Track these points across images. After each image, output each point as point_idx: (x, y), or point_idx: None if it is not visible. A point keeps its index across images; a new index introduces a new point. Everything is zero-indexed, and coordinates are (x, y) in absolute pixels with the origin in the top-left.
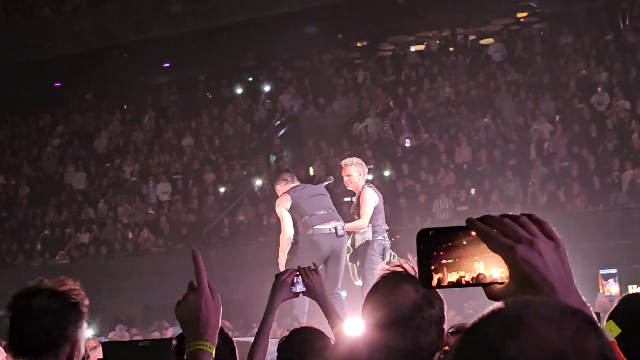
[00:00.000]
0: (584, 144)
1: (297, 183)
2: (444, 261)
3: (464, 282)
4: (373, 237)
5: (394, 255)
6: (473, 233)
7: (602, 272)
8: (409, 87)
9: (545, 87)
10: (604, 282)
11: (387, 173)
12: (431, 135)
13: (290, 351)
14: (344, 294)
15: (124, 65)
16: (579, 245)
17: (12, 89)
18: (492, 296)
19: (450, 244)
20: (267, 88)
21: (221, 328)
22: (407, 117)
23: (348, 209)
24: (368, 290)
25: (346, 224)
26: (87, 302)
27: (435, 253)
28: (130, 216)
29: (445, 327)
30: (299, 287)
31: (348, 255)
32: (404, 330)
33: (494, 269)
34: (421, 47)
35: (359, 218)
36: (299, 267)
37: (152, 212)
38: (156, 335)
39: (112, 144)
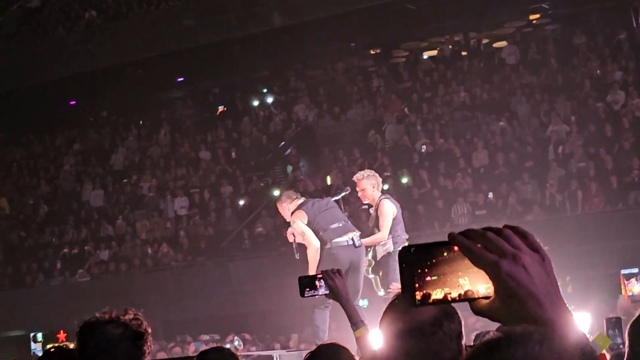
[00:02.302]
0: (600, 143)
1: (302, 199)
2: (428, 278)
3: (449, 299)
4: (394, 248)
5: None
6: (456, 248)
7: (623, 272)
8: (424, 93)
9: (560, 88)
10: (626, 282)
11: (404, 180)
12: (447, 140)
13: None
14: (365, 302)
15: (139, 81)
16: (599, 245)
17: (27, 108)
18: (478, 311)
19: (434, 260)
20: (281, 99)
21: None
22: (423, 123)
23: (366, 217)
24: (385, 307)
25: (366, 239)
26: (149, 330)
27: (419, 270)
28: (149, 232)
29: (464, 341)
30: (323, 290)
31: (370, 267)
32: (426, 345)
33: (479, 284)
34: (434, 52)
35: (379, 231)
36: (322, 270)
37: (171, 226)
38: (177, 350)
39: (129, 160)
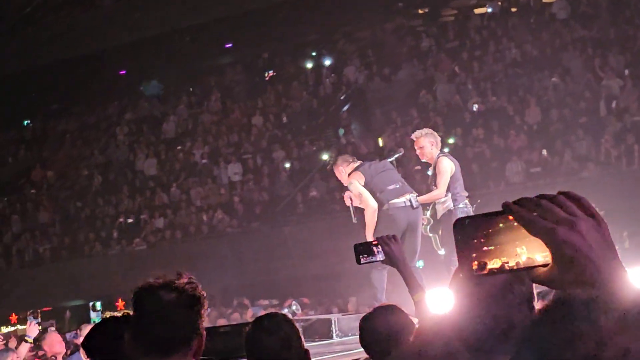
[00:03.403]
0: None
1: (358, 162)
2: (485, 248)
3: (507, 268)
4: (454, 205)
5: None
6: (511, 218)
7: None
8: (474, 51)
9: (613, 42)
10: None
11: (456, 140)
12: (499, 98)
13: (373, 328)
14: (420, 263)
15: (187, 49)
16: None
17: (78, 80)
18: (537, 279)
19: (490, 230)
20: (331, 62)
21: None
22: (474, 82)
23: (420, 178)
24: (454, 270)
25: (423, 196)
26: (204, 294)
27: (475, 241)
28: (203, 199)
29: (536, 304)
30: (380, 257)
31: (429, 226)
32: (497, 307)
33: (537, 252)
34: (484, 10)
35: (436, 188)
36: (377, 237)
37: (225, 193)
38: (236, 316)
39: (181, 127)
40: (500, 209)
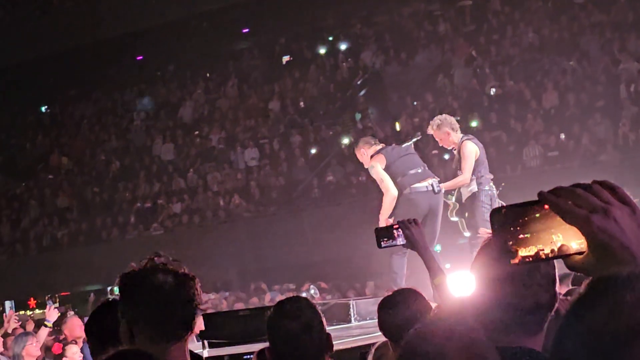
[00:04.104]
0: None
1: (380, 145)
2: (521, 236)
3: (543, 256)
4: (479, 188)
5: (501, 204)
6: (546, 207)
7: None
8: (491, 35)
9: (631, 25)
10: None
11: (473, 124)
12: (517, 82)
13: (392, 311)
14: (438, 247)
15: (204, 34)
16: None
17: (95, 65)
18: (573, 267)
19: (526, 218)
20: (347, 46)
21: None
22: (491, 66)
23: (438, 162)
24: (478, 248)
25: (448, 182)
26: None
27: (511, 229)
28: (220, 183)
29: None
30: (400, 240)
31: (454, 210)
32: (524, 288)
33: (572, 240)
34: None
35: (461, 173)
36: (398, 220)
37: (242, 177)
38: (255, 301)
39: (197, 112)
40: (521, 193)
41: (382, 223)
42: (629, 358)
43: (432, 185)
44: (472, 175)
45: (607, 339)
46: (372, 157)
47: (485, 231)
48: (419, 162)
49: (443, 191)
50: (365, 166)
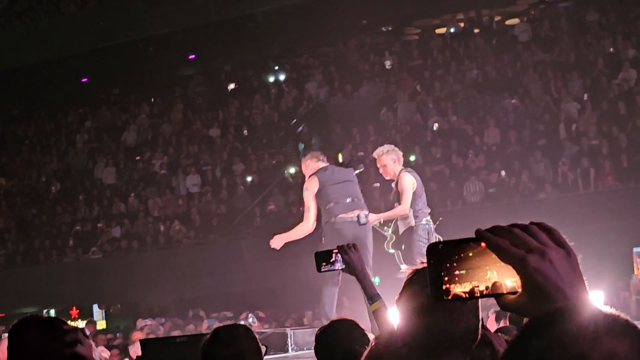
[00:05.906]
0: (613, 121)
1: (326, 164)
2: (456, 272)
3: (477, 293)
4: (416, 222)
5: (439, 238)
6: (483, 244)
7: (636, 249)
8: (436, 71)
9: (573, 66)
10: (638, 260)
11: (412, 158)
12: (459, 118)
13: (328, 342)
14: (377, 279)
15: (150, 59)
16: (612, 224)
17: (39, 86)
18: (505, 306)
19: (462, 255)
20: (293, 76)
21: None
22: (435, 101)
23: (379, 195)
24: (403, 283)
25: (387, 212)
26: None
27: (447, 265)
28: (161, 209)
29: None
30: (339, 265)
31: (391, 242)
32: (448, 314)
33: (507, 278)
34: (446, 30)
35: (400, 205)
36: (338, 245)
37: (183, 204)
38: (191, 328)
39: (141, 137)
40: (462, 228)
41: (279, 244)
42: None
43: (358, 216)
44: (409, 207)
45: None
46: (310, 176)
47: (422, 260)
48: (353, 192)
49: (369, 223)
50: (305, 178)
